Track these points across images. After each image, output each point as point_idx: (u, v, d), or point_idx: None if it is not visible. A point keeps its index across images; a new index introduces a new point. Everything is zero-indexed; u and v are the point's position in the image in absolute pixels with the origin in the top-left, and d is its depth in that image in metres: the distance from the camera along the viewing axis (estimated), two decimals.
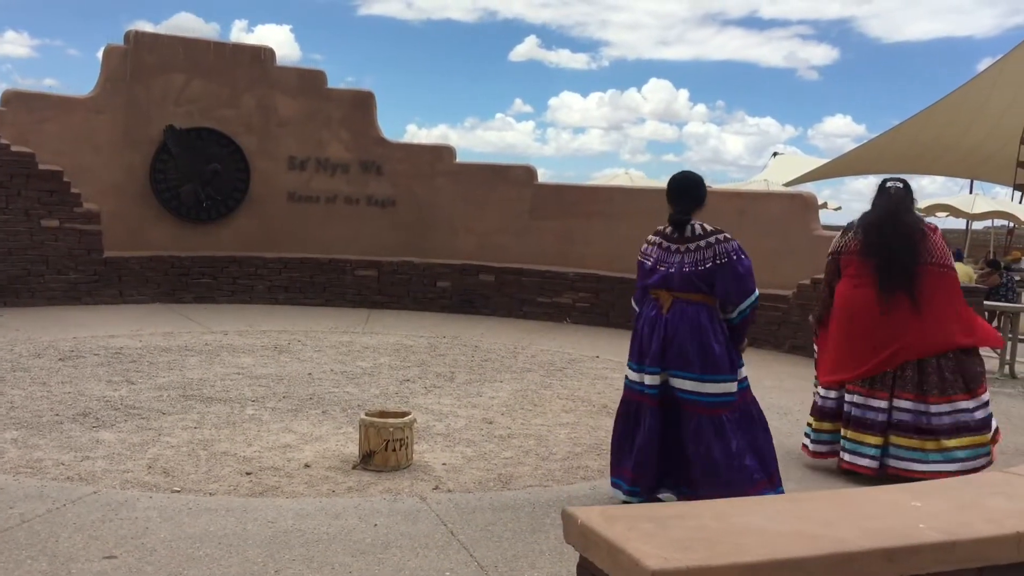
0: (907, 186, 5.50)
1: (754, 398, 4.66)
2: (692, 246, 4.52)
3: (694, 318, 4.47)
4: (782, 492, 4.45)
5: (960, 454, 5.17)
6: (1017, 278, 14.77)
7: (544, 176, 13.04)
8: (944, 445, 5.16)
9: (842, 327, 5.46)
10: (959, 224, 31.09)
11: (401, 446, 5.15)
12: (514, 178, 12.77)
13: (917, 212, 5.73)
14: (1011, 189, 24.62)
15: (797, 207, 10.80)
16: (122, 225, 11.53)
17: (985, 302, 9.17)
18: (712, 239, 4.51)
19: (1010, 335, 9.49)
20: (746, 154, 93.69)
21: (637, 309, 4.77)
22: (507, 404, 6.97)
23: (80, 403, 6.33)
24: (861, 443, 5.31)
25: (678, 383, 4.48)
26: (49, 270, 10.77)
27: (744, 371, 4.62)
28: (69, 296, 10.85)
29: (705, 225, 4.59)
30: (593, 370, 8.59)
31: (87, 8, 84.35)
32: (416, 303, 12.15)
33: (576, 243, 12.21)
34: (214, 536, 3.94)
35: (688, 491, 4.51)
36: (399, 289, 12.25)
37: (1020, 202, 24.53)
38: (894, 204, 5.40)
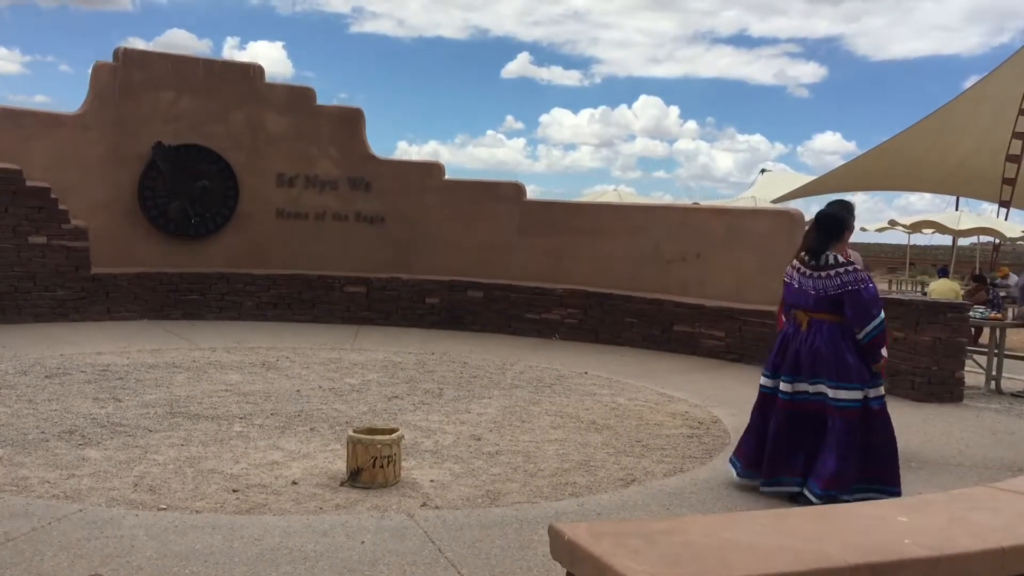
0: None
1: (885, 413, 5.21)
2: (823, 273, 5.22)
3: (828, 335, 5.18)
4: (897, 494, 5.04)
5: None
6: (1003, 294, 14.87)
7: (534, 193, 13.16)
8: None
9: None
10: (945, 240, 31.31)
11: (389, 463, 5.14)
12: (503, 195, 12.83)
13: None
14: (996, 206, 24.79)
15: (783, 223, 10.83)
16: (110, 242, 11.50)
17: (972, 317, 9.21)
18: (841, 269, 5.17)
19: (996, 350, 9.55)
20: (736, 171, 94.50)
21: (785, 321, 5.55)
22: (495, 420, 6.96)
23: (66, 420, 6.30)
24: None
25: (816, 388, 5.19)
26: (36, 287, 10.72)
27: (880, 389, 5.21)
28: (56, 313, 10.80)
29: (838, 256, 5.24)
30: (581, 386, 8.59)
31: (79, 25, 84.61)
32: (405, 319, 12.15)
33: (564, 259, 12.25)
34: (200, 554, 3.92)
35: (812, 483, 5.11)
36: (388, 305, 12.24)
37: (1006, 218, 24.68)
38: None
